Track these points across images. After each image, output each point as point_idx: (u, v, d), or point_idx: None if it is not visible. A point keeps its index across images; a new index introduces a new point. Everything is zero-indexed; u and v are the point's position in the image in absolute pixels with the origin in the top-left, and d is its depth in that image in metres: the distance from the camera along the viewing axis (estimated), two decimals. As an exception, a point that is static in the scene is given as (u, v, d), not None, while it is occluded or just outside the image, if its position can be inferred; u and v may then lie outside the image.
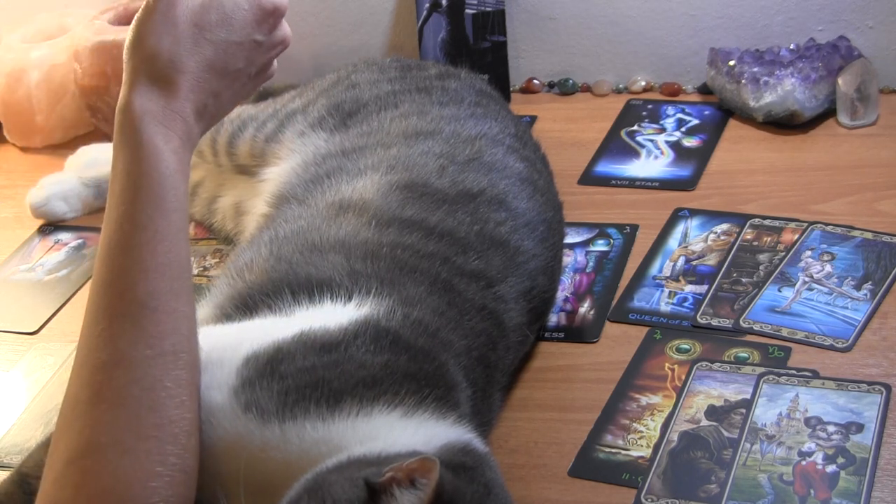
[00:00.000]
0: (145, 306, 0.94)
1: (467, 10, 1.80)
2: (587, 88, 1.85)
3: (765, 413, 1.19)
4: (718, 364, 1.26)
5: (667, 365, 1.27)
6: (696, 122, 1.73)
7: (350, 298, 1.09)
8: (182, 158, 0.99)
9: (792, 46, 1.72)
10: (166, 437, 0.92)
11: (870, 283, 1.36)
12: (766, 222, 1.47)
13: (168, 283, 0.95)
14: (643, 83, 1.83)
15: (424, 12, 1.81)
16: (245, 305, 1.13)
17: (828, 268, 1.38)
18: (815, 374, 1.23)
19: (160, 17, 0.99)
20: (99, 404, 0.92)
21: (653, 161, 1.65)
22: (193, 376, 0.96)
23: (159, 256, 0.95)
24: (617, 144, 1.70)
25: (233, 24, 1.01)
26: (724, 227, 1.48)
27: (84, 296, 1.48)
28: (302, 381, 0.99)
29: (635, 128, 1.74)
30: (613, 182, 1.62)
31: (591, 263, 1.44)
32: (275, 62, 1.08)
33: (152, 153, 0.96)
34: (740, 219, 1.49)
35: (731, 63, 1.71)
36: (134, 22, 1.00)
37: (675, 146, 1.68)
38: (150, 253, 0.95)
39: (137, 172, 0.96)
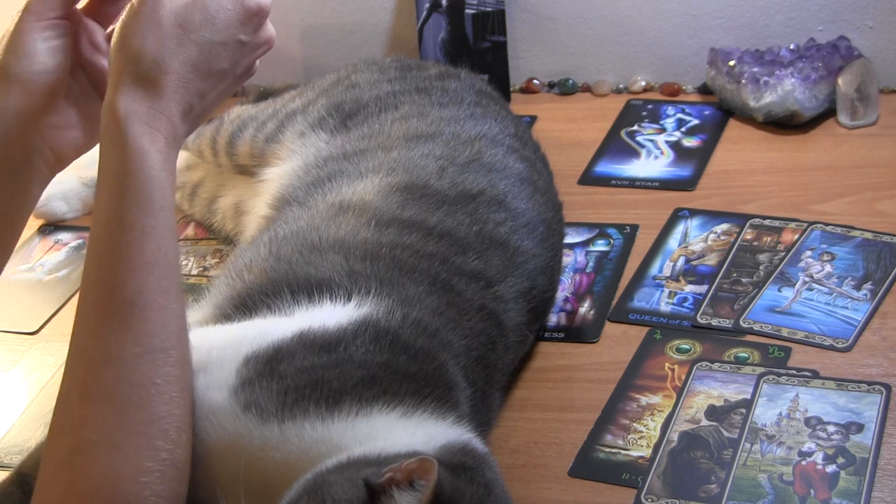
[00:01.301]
0: (133, 304, 0.94)
1: (467, 10, 1.80)
2: (587, 88, 1.85)
3: (765, 413, 1.19)
4: (718, 364, 1.26)
5: (667, 365, 1.27)
6: (696, 122, 1.73)
7: (349, 298, 1.09)
8: (168, 157, 0.99)
9: (792, 46, 1.72)
10: (156, 434, 0.92)
11: (870, 283, 1.36)
12: (766, 222, 1.47)
13: (156, 280, 0.95)
14: (643, 83, 1.83)
15: (424, 12, 1.81)
16: (244, 305, 1.13)
17: (828, 268, 1.38)
18: (815, 374, 1.23)
19: (145, 18, 0.99)
20: (88, 403, 0.92)
21: (653, 161, 1.65)
22: (184, 372, 0.97)
23: (147, 255, 0.95)
24: (617, 144, 1.70)
25: (216, 25, 1.01)
26: (724, 227, 1.48)
27: (84, 296, 1.49)
28: (301, 381, 0.99)
29: (635, 128, 1.74)
30: (613, 182, 1.62)
31: (591, 263, 1.44)
32: (257, 62, 1.08)
33: (138, 153, 0.97)
34: (740, 219, 1.49)
35: (731, 63, 1.71)
36: (119, 23, 1.00)
37: (675, 146, 1.68)
38: (137, 251, 0.95)
39: (123, 172, 0.96)
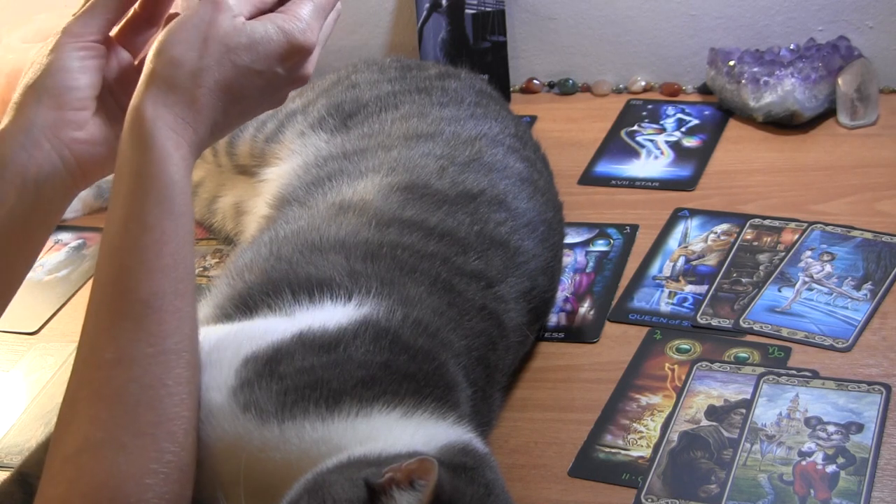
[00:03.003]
0: (148, 306, 0.94)
1: (467, 10, 1.80)
2: (587, 88, 1.85)
3: (765, 413, 1.19)
4: (718, 364, 1.26)
5: (667, 365, 1.27)
6: (696, 122, 1.73)
7: (350, 298, 1.09)
8: (189, 165, 0.99)
9: (792, 46, 1.72)
10: (163, 435, 0.92)
11: (870, 283, 1.36)
12: (766, 222, 1.47)
13: (172, 283, 0.95)
14: (643, 83, 1.83)
15: (424, 12, 1.81)
16: (245, 305, 1.13)
17: (828, 268, 1.38)
18: (815, 374, 1.23)
19: (192, 29, 0.99)
20: (97, 402, 0.92)
21: (653, 161, 1.65)
22: (194, 374, 0.97)
23: (165, 258, 0.96)
24: (617, 144, 1.70)
25: (258, 52, 1.01)
26: (724, 227, 1.48)
27: (84, 296, 1.48)
28: (301, 381, 0.99)
29: (635, 128, 1.74)
30: (613, 182, 1.62)
31: (591, 263, 1.44)
32: (289, 94, 1.09)
33: (163, 157, 0.97)
34: (740, 219, 1.49)
35: (731, 63, 1.71)
36: (167, 29, 1.01)
37: (675, 146, 1.68)
38: (155, 254, 0.95)
39: (147, 174, 0.96)
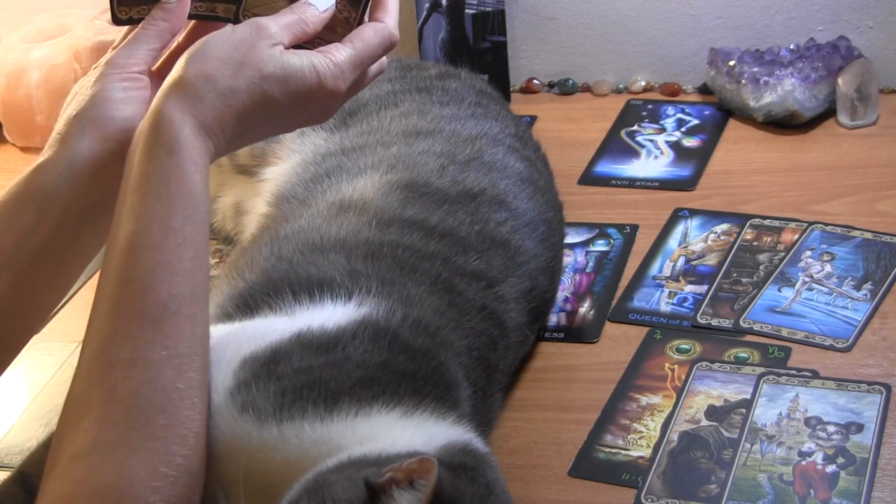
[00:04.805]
0: (167, 308, 0.94)
1: (467, 10, 1.80)
2: (587, 88, 1.85)
3: (765, 413, 1.19)
4: (718, 364, 1.26)
5: (667, 365, 1.27)
6: (696, 122, 1.73)
7: (350, 298, 1.09)
8: (208, 175, 0.99)
9: (792, 46, 1.72)
10: (174, 438, 0.92)
11: (870, 283, 1.36)
12: (766, 222, 1.47)
13: (191, 288, 0.95)
14: (643, 83, 1.83)
15: (424, 12, 1.81)
16: (246, 305, 1.13)
17: (828, 268, 1.38)
18: (815, 374, 1.23)
19: (233, 49, 0.99)
20: (110, 403, 0.92)
21: (653, 161, 1.65)
22: (204, 378, 0.96)
23: (186, 262, 0.95)
24: (617, 144, 1.70)
25: (288, 86, 1.00)
26: (724, 227, 1.48)
27: (84, 296, 1.48)
28: (299, 381, 0.99)
29: (635, 128, 1.74)
30: (613, 182, 1.62)
31: (591, 263, 1.44)
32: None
33: (190, 162, 0.96)
34: (740, 219, 1.49)
35: (731, 63, 1.71)
36: (204, 39, 1.00)
37: (675, 146, 1.68)
38: (177, 257, 0.95)
39: (175, 177, 0.96)
